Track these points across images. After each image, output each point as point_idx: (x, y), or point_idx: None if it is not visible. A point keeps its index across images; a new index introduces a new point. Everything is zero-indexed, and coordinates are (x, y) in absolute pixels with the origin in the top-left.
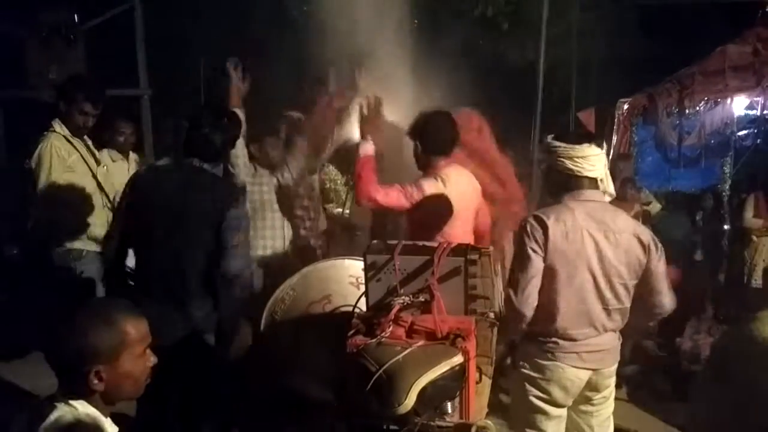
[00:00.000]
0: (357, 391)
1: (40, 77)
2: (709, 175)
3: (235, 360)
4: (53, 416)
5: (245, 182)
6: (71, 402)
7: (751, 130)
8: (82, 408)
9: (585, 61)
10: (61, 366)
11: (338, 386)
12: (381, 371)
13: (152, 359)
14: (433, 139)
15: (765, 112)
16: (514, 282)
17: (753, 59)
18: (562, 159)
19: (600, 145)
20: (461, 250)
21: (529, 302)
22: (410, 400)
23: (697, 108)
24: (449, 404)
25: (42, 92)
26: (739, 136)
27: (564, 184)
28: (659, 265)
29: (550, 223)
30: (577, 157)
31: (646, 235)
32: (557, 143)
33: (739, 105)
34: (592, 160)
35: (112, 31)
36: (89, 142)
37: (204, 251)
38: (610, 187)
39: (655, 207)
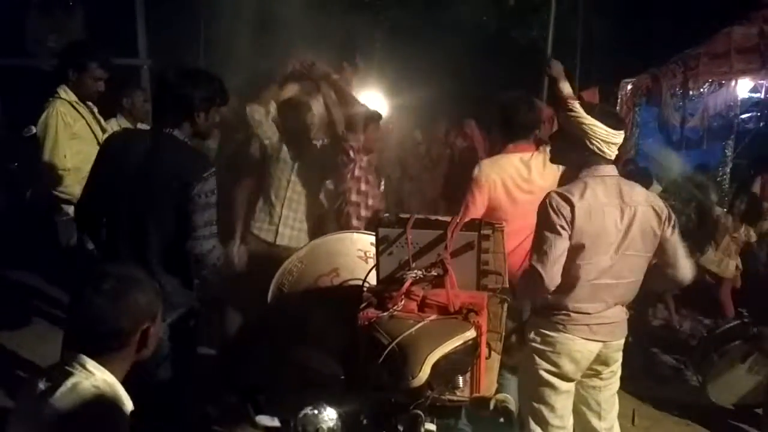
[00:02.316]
0: (368, 364)
1: (39, 45)
2: (710, 157)
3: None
4: (70, 382)
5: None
6: (88, 366)
7: (754, 113)
8: (100, 373)
9: (589, 40)
10: (108, 333)
11: (346, 359)
12: (394, 344)
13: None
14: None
15: None
16: (542, 258)
17: (758, 41)
18: (595, 140)
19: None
20: (474, 224)
21: (557, 279)
22: (424, 374)
23: (701, 90)
24: (461, 378)
25: (41, 60)
26: (741, 119)
27: (579, 159)
28: (675, 234)
29: (575, 200)
30: (612, 143)
31: (661, 205)
32: (597, 123)
33: (743, 87)
34: (618, 146)
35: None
36: (95, 110)
37: (169, 222)
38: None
39: (656, 188)
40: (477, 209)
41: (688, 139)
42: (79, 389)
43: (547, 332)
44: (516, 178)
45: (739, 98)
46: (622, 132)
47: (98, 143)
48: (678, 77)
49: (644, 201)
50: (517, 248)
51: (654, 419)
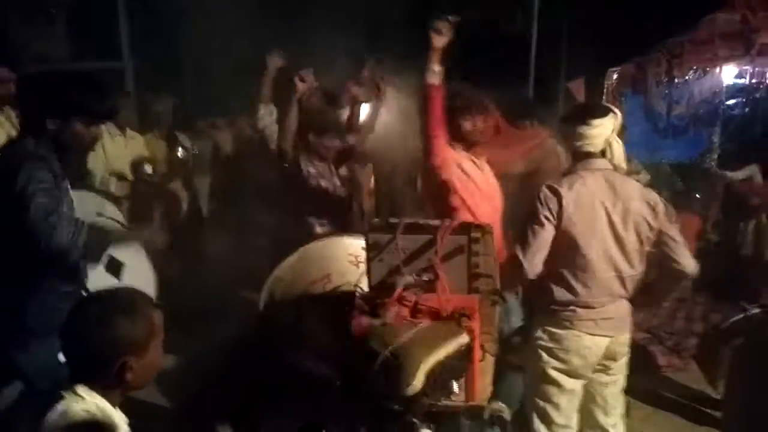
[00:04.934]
0: (363, 372)
1: (22, 51)
2: (696, 145)
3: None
4: (60, 407)
5: None
6: (79, 391)
7: (740, 99)
8: (91, 398)
9: (574, 30)
10: (86, 359)
11: (342, 365)
12: (388, 352)
13: None
14: None
15: (753, 80)
16: (524, 245)
17: (742, 27)
18: (578, 137)
19: (604, 114)
20: (464, 227)
21: (539, 267)
22: (419, 381)
23: (686, 77)
24: (455, 384)
25: (25, 67)
26: (727, 105)
27: (574, 155)
28: (672, 227)
29: (563, 191)
30: (590, 134)
31: (655, 198)
32: (560, 126)
33: (728, 74)
34: (589, 138)
35: (95, 2)
36: (12, 115)
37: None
38: (616, 159)
39: (645, 177)
40: None
41: (675, 126)
42: (70, 414)
43: (554, 329)
44: None
45: (724, 85)
46: (595, 120)
47: None
48: (663, 65)
49: (638, 195)
50: None
51: (650, 412)
